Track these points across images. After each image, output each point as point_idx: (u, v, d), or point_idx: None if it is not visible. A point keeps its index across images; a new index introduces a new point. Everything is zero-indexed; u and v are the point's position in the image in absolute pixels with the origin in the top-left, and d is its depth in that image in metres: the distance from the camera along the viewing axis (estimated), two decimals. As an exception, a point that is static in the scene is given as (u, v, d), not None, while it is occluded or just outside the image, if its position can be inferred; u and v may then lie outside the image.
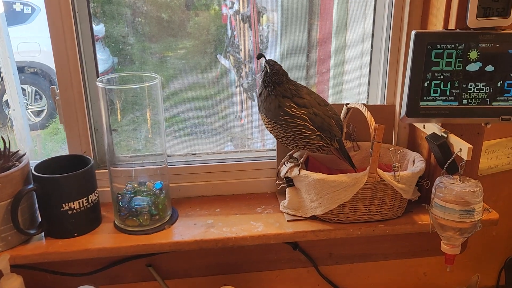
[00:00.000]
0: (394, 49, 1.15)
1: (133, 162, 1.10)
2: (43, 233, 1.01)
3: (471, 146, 0.93)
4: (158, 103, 1.02)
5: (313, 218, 1.07)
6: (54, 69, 1.05)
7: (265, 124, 1.05)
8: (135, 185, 1.08)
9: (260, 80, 1.04)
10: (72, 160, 1.05)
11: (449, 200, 0.96)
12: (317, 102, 1.04)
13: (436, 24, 1.05)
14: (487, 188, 1.08)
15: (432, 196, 0.99)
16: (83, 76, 1.09)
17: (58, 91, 1.08)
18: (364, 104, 1.05)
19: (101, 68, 1.17)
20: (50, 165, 1.03)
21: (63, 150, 1.22)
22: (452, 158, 0.97)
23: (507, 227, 1.29)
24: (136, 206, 1.03)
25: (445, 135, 1.00)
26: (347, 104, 1.12)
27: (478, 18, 0.96)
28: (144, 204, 1.03)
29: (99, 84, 0.96)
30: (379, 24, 1.19)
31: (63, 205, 0.98)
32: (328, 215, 1.06)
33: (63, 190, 0.97)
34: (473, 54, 0.97)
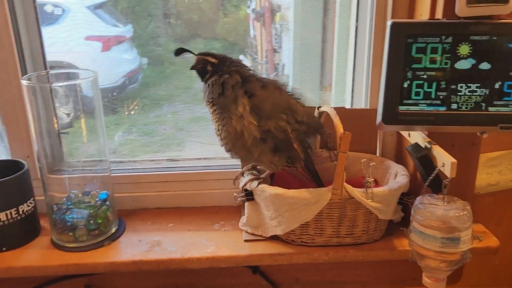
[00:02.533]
0: (378, 43, 1.00)
1: (77, 169, 0.99)
2: (-29, 246, 0.91)
3: (455, 161, 0.76)
4: (94, 103, 0.90)
5: (275, 238, 0.93)
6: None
7: (214, 119, 0.91)
8: (79, 195, 0.97)
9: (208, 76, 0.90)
10: (11, 166, 0.95)
11: (429, 225, 0.79)
12: (274, 103, 0.88)
13: (422, 14, 0.89)
14: (486, 208, 0.91)
15: (411, 218, 0.83)
16: (24, 73, 0.98)
17: (-3, 89, 0.98)
18: (335, 107, 0.90)
19: (127, 69, 1.19)
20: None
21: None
22: (434, 174, 0.81)
23: (513, 254, 1.10)
24: (71, 219, 0.91)
25: (429, 146, 0.84)
26: (319, 107, 0.97)
27: (469, 5, 0.79)
28: (79, 218, 0.91)
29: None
30: (363, 15, 1.03)
31: (-12, 216, 0.87)
32: (289, 235, 0.91)
33: (-14, 200, 0.87)
34: (464, 49, 0.80)
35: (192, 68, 0.91)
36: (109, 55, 1.28)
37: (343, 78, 1.81)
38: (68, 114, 0.92)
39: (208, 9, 1.23)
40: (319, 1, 2.26)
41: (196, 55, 0.90)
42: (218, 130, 0.89)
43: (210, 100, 0.89)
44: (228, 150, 0.90)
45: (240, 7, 1.43)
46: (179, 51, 0.89)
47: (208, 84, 0.89)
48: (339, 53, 2.00)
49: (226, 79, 0.87)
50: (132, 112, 1.18)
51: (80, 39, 1.20)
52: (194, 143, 1.20)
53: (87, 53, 1.24)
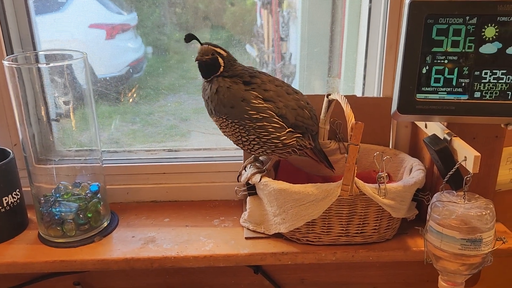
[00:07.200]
0: (393, 26, 0.92)
1: (67, 159, 0.92)
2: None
3: (478, 154, 0.69)
4: (84, 88, 0.83)
5: (278, 235, 0.86)
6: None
7: (221, 128, 0.84)
8: (69, 187, 0.91)
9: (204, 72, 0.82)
10: (-3, 154, 0.89)
11: (448, 225, 0.72)
12: (284, 91, 0.82)
13: (444, -8, 0.81)
14: (509, 207, 0.84)
15: (428, 217, 0.76)
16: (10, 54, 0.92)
17: (-18, 72, 0.91)
18: (345, 95, 0.82)
19: (132, 57, 1.15)
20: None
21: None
22: (454, 169, 0.73)
23: (536, 256, 1.02)
24: (58, 213, 0.85)
25: (448, 138, 0.76)
26: (328, 95, 0.90)
27: (498, -18, 0.71)
28: (68, 211, 0.85)
29: (5, 63, 0.78)
30: (377, -4, 0.95)
31: (-31, 209, 0.81)
32: (295, 234, 0.84)
33: (-34, 191, 0.81)
34: (490, 31, 0.72)
35: (199, 60, 0.80)
36: (113, 44, 1.23)
37: (353, 65, 1.72)
38: (66, 102, 0.85)
39: (214, -3, 1.20)
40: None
41: (202, 44, 0.80)
42: (241, 142, 0.83)
43: (224, 113, 0.81)
44: (257, 153, 0.85)
45: (247, -5, 1.36)
46: (190, 37, 0.80)
47: (215, 94, 0.80)
48: (349, 38, 1.90)
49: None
50: (132, 101, 1.12)
51: (84, 27, 1.14)
52: (199, 133, 1.16)
53: (90, 41, 1.19)
